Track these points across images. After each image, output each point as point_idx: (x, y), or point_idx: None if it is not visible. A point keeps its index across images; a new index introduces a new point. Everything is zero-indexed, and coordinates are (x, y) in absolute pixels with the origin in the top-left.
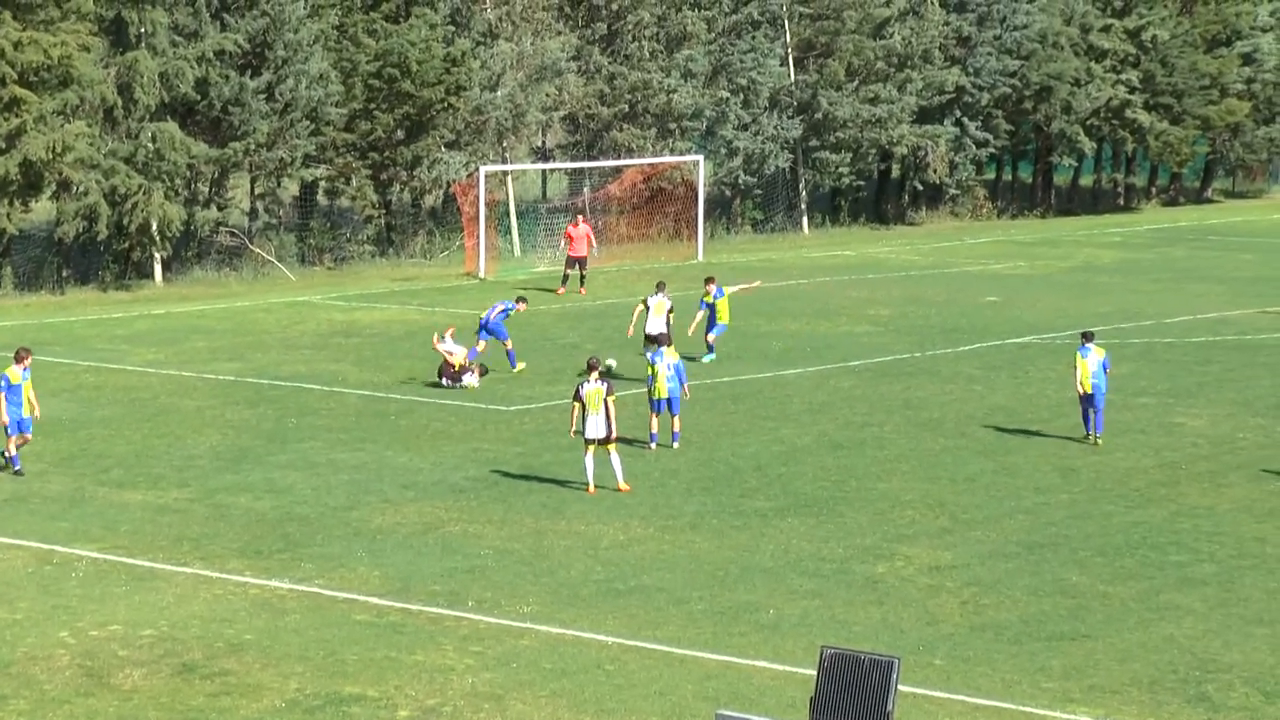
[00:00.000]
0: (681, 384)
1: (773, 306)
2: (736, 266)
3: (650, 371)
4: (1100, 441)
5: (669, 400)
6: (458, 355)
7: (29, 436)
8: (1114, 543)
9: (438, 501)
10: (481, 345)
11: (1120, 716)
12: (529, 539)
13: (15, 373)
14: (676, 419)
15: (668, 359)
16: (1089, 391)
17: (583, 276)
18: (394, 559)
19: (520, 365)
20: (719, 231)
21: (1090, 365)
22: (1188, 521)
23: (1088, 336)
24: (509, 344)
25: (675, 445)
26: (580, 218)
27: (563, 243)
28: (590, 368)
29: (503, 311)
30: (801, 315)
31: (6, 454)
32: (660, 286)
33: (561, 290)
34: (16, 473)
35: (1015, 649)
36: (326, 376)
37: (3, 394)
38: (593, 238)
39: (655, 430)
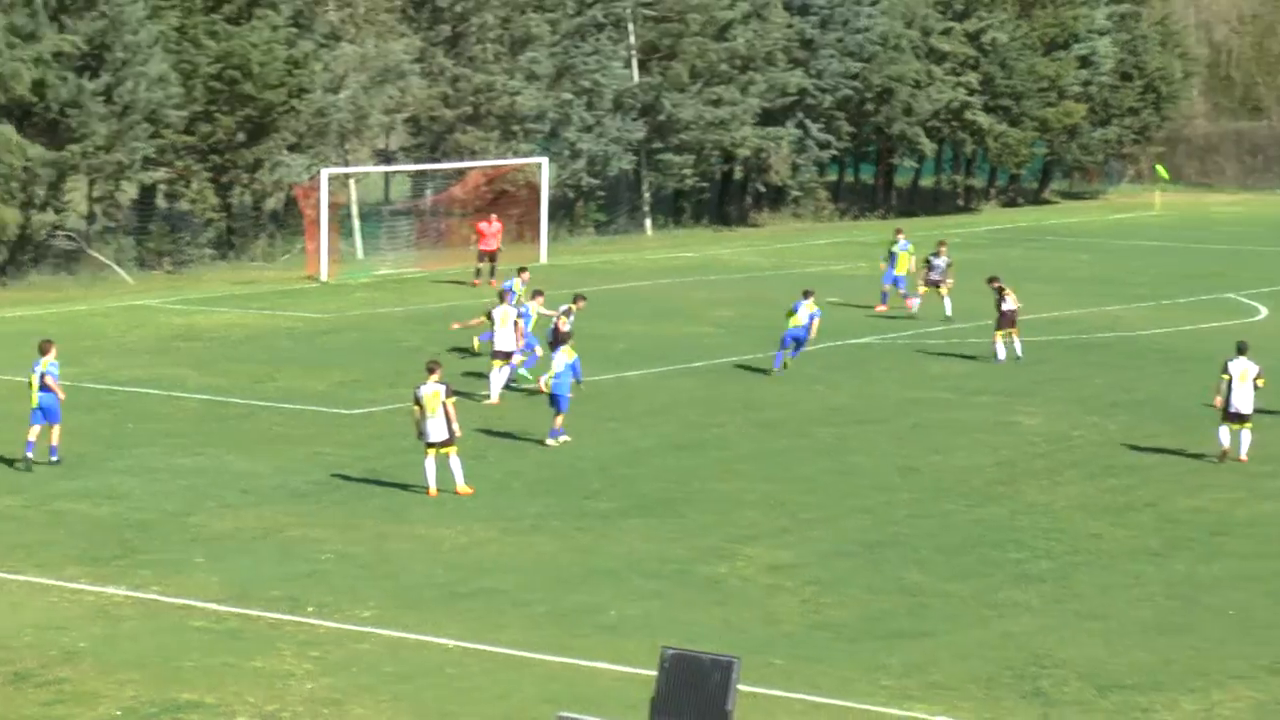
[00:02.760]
0: (578, 380)
1: (615, 308)
2: (579, 269)
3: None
4: None
5: (557, 397)
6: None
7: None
8: (953, 541)
9: (277, 506)
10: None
11: (958, 713)
12: (370, 543)
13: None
14: (560, 417)
15: (565, 357)
16: None
17: (493, 269)
18: (233, 564)
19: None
20: (562, 234)
21: None
22: (1025, 519)
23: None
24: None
25: (551, 441)
26: (494, 215)
27: (474, 238)
28: (429, 370)
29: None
30: (644, 317)
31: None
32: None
33: (476, 283)
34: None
35: (854, 647)
36: (166, 381)
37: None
38: (499, 235)
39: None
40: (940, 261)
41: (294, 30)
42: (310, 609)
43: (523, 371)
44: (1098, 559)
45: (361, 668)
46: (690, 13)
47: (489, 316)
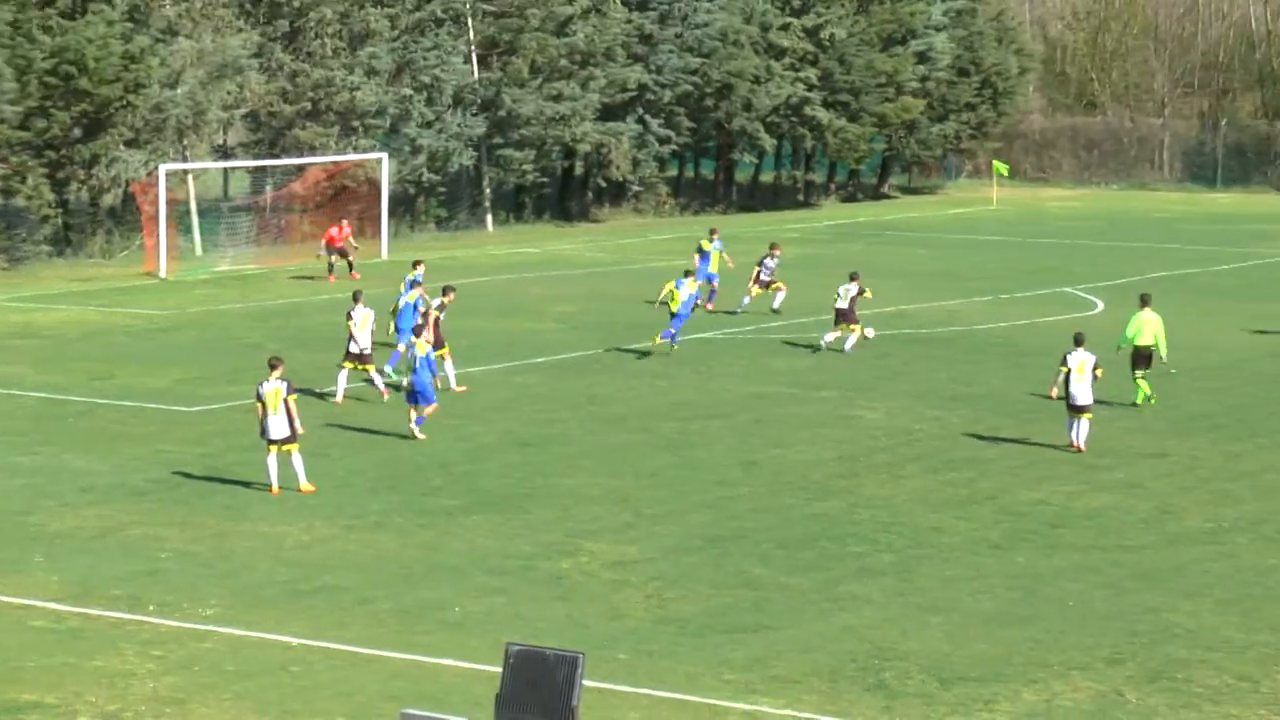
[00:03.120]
0: (433, 374)
1: (457, 304)
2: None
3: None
4: None
5: (416, 391)
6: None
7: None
8: (794, 535)
9: (117, 504)
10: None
11: (800, 706)
12: (211, 541)
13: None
14: (428, 408)
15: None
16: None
17: (350, 264)
18: (72, 563)
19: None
20: (403, 229)
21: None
22: (866, 513)
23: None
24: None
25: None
26: (344, 221)
27: (323, 243)
28: (271, 366)
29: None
30: (486, 313)
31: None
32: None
33: (356, 275)
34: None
35: (699, 642)
36: (3, 379)
37: None
38: (350, 237)
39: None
40: (772, 263)
41: (130, 25)
42: (152, 607)
43: (388, 369)
44: (939, 552)
45: (204, 666)
46: (530, 8)
47: (349, 317)
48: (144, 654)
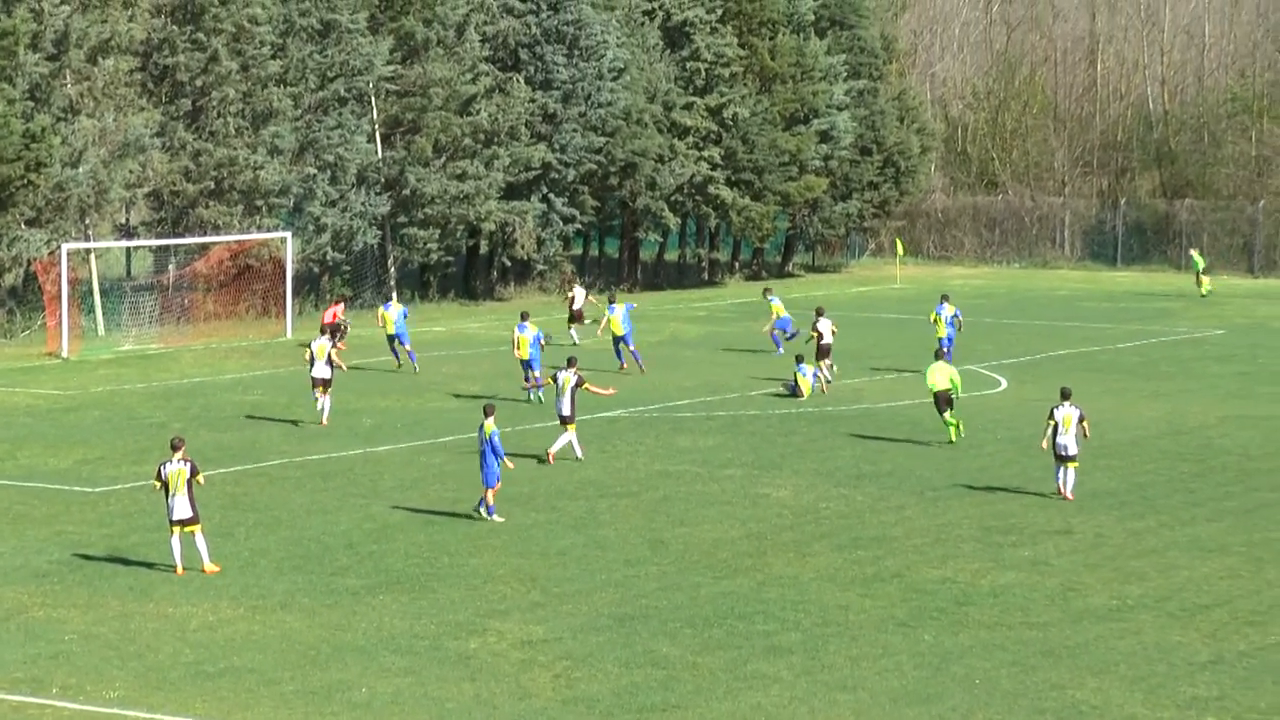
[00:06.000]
0: (499, 457)
1: (363, 383)
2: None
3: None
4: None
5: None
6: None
7: None
8: (703, 613)
9: (19, 586)
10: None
11: None
12: (115, 622)
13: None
14: (490, 492)
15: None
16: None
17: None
18: None
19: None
20: (308, 308)
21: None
22: (774, 591)
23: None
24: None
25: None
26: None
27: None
28: (174, 447)
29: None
30: (392, 391)
31: None
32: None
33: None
34: None
35: None
36: None
37: None
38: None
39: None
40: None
41: (31, 104)
42: (55, 690)
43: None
44: (846, 630)
45: None
46: (433, 87)
47: (309, 347)
48: None
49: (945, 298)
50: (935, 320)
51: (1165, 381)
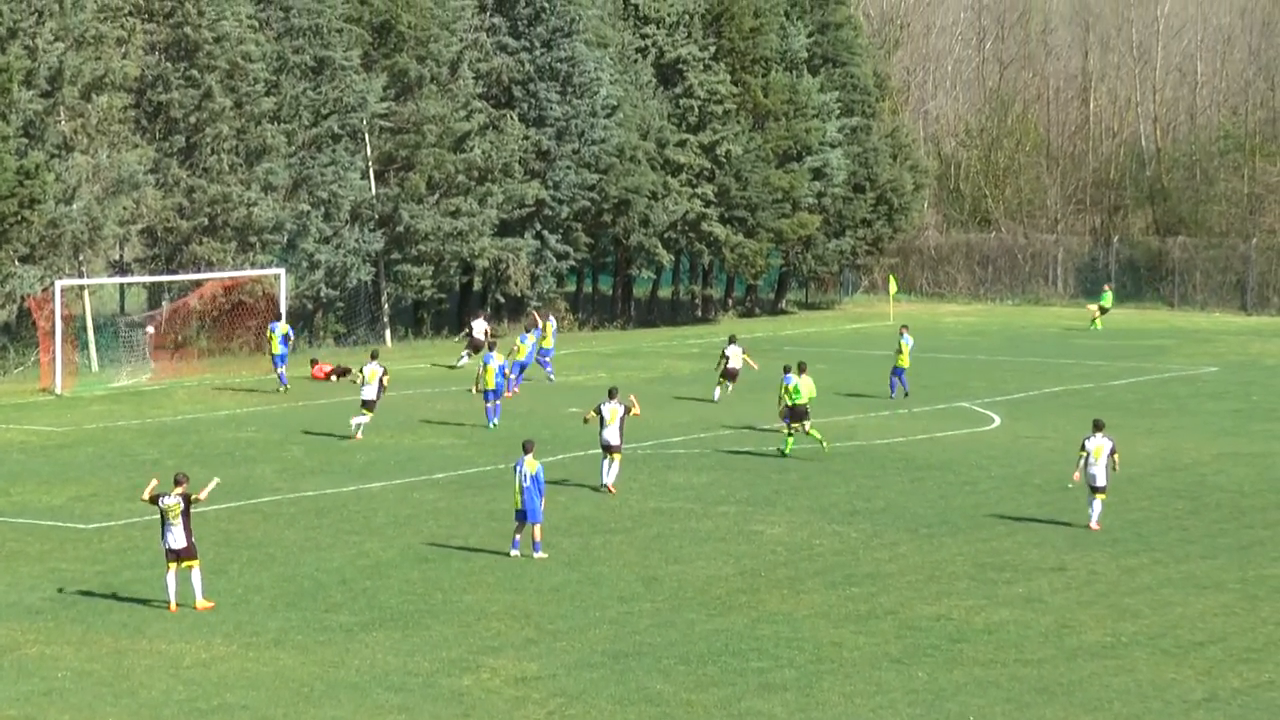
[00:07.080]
0: (541, 493)
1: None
2: (316, 382)
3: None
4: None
5: (525, 510)
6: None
7: None
8: (696, 650)
9: (12, 623)
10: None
11: None
12: (109, 659)
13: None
14: (537, 528)
15: (527, 469)
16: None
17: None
18: None
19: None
20: (301, 345)
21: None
22: (768, 628)
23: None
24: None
25: (538, 554)
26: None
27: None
28: (177, 482)
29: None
30: (385, 428)
31: None
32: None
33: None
34: None
35: None
36: None
37: None
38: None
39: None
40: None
41: (25, 140)
42: None
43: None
44: (840, 667)
45: None
46: (427, 124)
47: (361, 371)
48: None
49: (905, 328)
50: (902, 351)
51: (1159, 418)
